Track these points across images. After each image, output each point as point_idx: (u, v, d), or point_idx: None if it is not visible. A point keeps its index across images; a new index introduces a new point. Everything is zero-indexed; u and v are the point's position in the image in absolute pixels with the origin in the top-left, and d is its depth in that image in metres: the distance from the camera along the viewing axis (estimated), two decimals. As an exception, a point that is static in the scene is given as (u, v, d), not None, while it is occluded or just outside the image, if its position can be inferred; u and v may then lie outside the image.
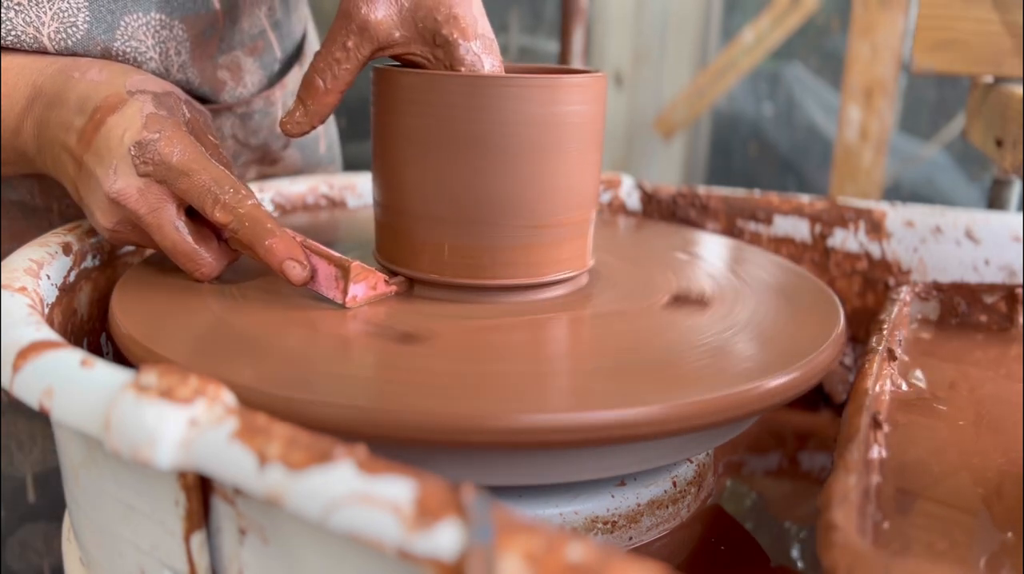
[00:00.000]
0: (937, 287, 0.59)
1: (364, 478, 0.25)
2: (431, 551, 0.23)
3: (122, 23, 0.53)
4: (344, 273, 0.46)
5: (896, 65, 1.64)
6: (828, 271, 0.67)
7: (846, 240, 0.66)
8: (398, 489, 0.25)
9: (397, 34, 0.46)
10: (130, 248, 0.56)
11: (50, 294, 0.46)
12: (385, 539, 0.24)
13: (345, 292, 0.46)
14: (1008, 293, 0.58)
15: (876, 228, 0.65)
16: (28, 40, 0.51)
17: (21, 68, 0.50)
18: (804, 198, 0.68)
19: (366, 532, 0.24)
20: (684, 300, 0.50)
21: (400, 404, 0.36)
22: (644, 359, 0.41)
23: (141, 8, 0.54)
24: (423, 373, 0.39)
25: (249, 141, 0.65)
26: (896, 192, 2.06)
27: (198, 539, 0.32)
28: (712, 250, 0.61)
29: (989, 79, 0.82)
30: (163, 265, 0.50)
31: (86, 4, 0.52)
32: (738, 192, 0.69)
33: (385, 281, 0.48)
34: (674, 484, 0.46)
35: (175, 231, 0.47)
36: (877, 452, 0.40)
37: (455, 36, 0.46)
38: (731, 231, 0.69)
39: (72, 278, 0.50)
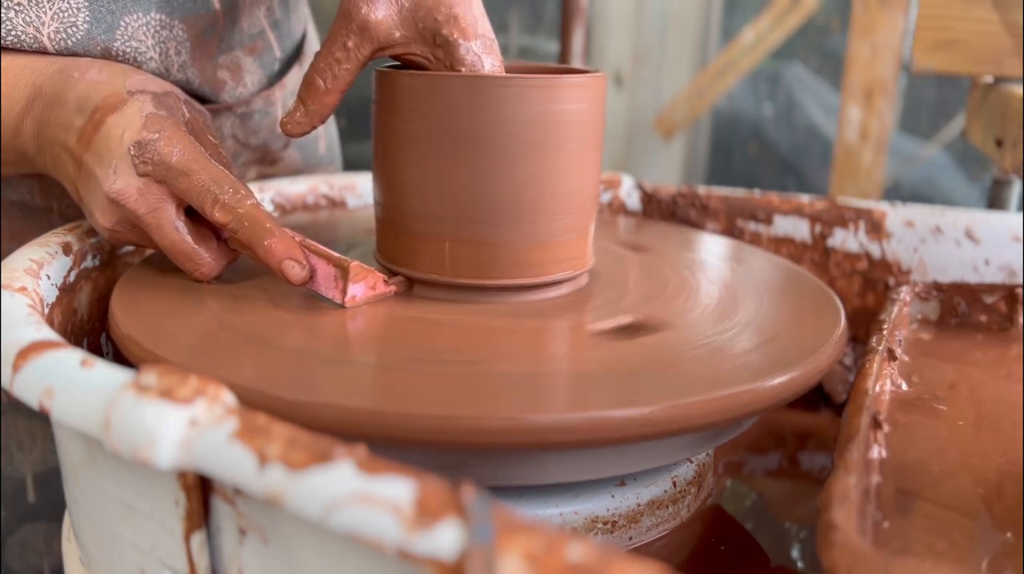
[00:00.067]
0: (937, 287, 0.59)
1: (364, 478, 0.25)
2: (431, 551, 0.23)
3: (122, 23, 0.53)
4: (343, 273, 0.46)
5: (896, 65, 1.64)
6: (828, 271, 0.67)
7: (846, 240, 0.66)
8: (398, 489, 0.25)
9: (397, 34, 0.46)
10: (130, 248, 0.56)
11: (50, 294, 0.46)
12: (385, 539, 0.24)
13: (344, 292, 0.46)
14: (1008, 293, 0.58)
15: (876, 228, 0.65)
16: (28, 40, 0.51)
17: (21, 68, 0.50)
18: (804, 198, 0.68)
19: (366, 532, 0.24)
20: (683, 301, 0.50)
21: (400, 404, 0.36)
22: (644, 360, 0.41)
23: (141, 8, 0.54)
24: (422, 374, 0.39)
25: (249, 141, 0.65)
26: (896, 192, 2.06)
27: (198, 539, 0.32)
28: (712, 250, 0.61)
29: (989, 79, 0.82)
30: (163, 265, 0.50)
31: (86, 4, 0.52)
32: (738, 192, 0.69)
33: (384, 281, 0.48)
34: (674, 484, 0.46)
35: (174, 231, 0.47)
36: (877, 452, 0.40)
37: (455, 36, 0.46)
38: (731, 231, 0.69)
39: (72, 278, 0.50)
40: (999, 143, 0.74)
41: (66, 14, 0.51)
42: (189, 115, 0.50)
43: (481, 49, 0.47)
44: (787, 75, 2.38)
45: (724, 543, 0.47)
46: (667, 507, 0.46)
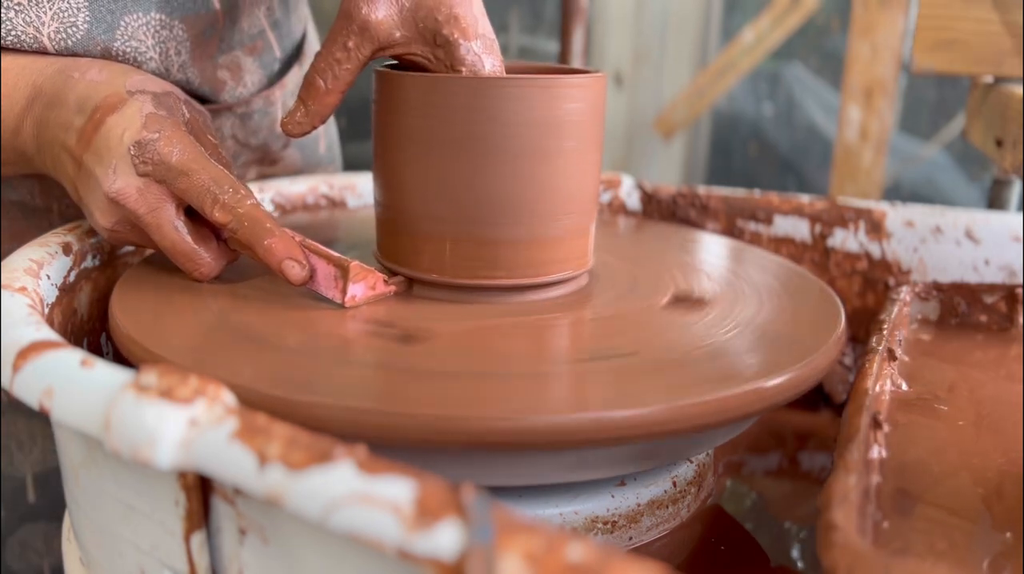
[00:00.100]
0: (937, 287, 0.59)
1: (364, 478, 0.25)
2: (431, 551, 0.23)
3: (122, 23, 0.53)
4: (343, 273, 0.46)
5: (896, 65, 1.64)
6: (828, 271, 0.67)
7: (846, 240, 0.66)
8: (398, 489, 0.25)
9: (398, 34, 0.46)
10: (130, 248, 0.56)
11: (50, 294, 0.46)
12: (385, 539, 0.24)
13: (344, 292, 0.46)
14: (1008, 293, 0.58)
15: (876, 228, 0.65)
16: (28, 40, 0.51)
17: (21, 68, 0.50)
18: (804, 198, 0.68)
19: (366, 532, 0.24)
20: (684, 301, 0.50)
21: (400, 405, 0.36)
22: (644, 360, 0.41)
23: (141, 8, 0.54)
24: (422, 374, 0.39)
25: (249, 141, 0.65)
26: (896, 192, 2.06)
27: (198, 539, 0.32)
28: (712, 250, 0.61)
29: (989, 79, 0.82)
30: (163, 265, 0.50)
31: (86, 4, 0.52)
32: (738, 192, 0.69)
33: (384, 281, 0.48)
34: (674, 484, 0.46)
35: (174, 231, 0.47)
36: (877, 452, 0.40)
37: (456, 36, 0.46)
38: (731, 231, 0.69)
39: (72, 278, 0.50)
40: (999, 143, 0.74)
41: (66, 14, 0.51)
42: (189, 115, 0.50)
43: (481, 49, 0.47)
44: (787, 75, 2.38)
45: (724, 543, 0.47)
46: (667, 507, 0.46)
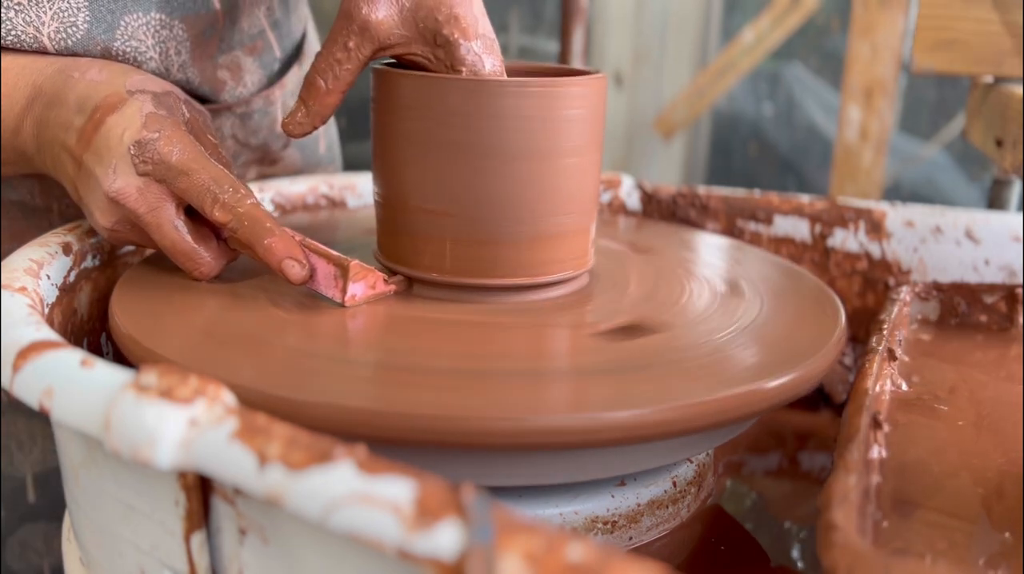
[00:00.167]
0: (937, 287, 0.59)
1: (364, 478, 0.25)
2: (431, 551, 0.23)
3: (122, 23, 0.53)
4: (343, 272, 0.46)
5: (896, 65, 1.64)
6: (828, 271, 0.67)
7: (846, 240, 0.66)
8: (398, 489, 0.25)
9: (398, 34, 0.46)
10: (130, 248, 0.56)
11: (50, 294, 0.46)
12: (385, 539, 0.24)
13: (344, 291, 0.46)
14: (1008, 293, 0.58)
15: (876, 228, 0.65)
16: (28, 40, 0.51)
17: (21, 68, 0.50)
18: (804, 198, 0.68)
19: (366, 532, 0.24)
20: (684, 301, 0.50)
21: (400, 404, 0.36)
22: (644, 360, 0.41)
23: (141, 8, 0.54)
24: (422, 373, 0.39)
25: (249, 141, 0.65)
26: (896, 192, 2.06)
27: (198, 539, 0.32)
28: (712, 250, 0.61)
29: (989, 79, 0.82)
30: (163, 265, 0.50)
31: (86, 4, 0.52)
32: (738, 192, 0.69)
33: (384, 280, 0.48)
34: (674, 484, 0.46)
35: (174, 230, 0.47)
36: (877, 452, 0.40)
37: (456, 36, 0.46)
38: (731, 231, 0.69)
39: (72, 278, 0.50)
40: (999, 143, 0.74)
41: (66, 14, 0.51)
42: (189, 115, 0.50)
43: (482, 49, 0.47)
44: (787, 75, 2.38)
45: (724, 543, 0.47)
46: (667, 507, 0.46)
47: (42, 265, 0.46)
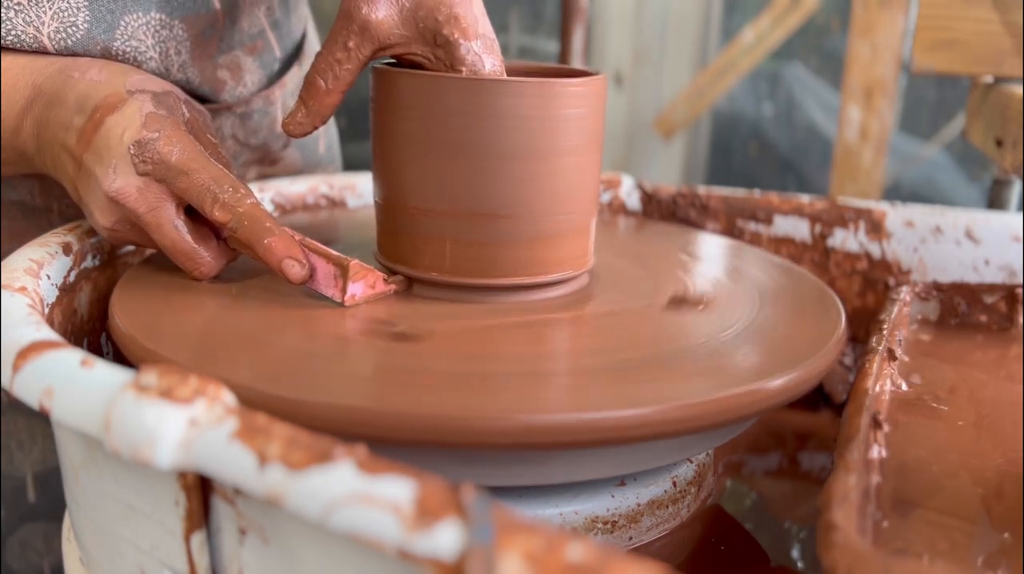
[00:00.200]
0: (937, 287, 0.59)
1: (364, 478, 0.25)
2: (431, 551, 0.23)
3: (122, 23, 0.53)
4: (343, 271, 0.46)
5: (896, 65, 1.64)
6: (828, 271, 0.67)
7: (846, 240, 0.66)
8: (398, 489, 0.25)
9: (398, 34, 0.46)
10: (130, 248, 0.56)
11: (50, 294, 0.46)
12: (385, 539, 0.24)
13: (344, 291, 0.46)
14: (1008, 293, 0.58)
15: (876, 228, 0.65)
16: (28, 40, 0.51)
17: (21, 68, 0.50)
18: (804, 198, 0.68)
19: (366, 532, 0.24)
20: (684, 301, 0.50)
21: (400, 404, 0.36)
22: (644, 360, 0.41)
23: (141, 8, 0.54)
24: (422, 373, 0.39)
25: (249, 141, 0.65)
26: (896, 192, 2.06)
27: (198, 539, 0.32)
28: (712, 250, 0.61)
29: (989, 79, 0.82)
30: (163, 265, 0.50)
31: (86, 4, 0.52)
32: (738, 192, 0.69)
33: (384, 280, 0.48)
34: (674, 484, 0.46)
35: (174, 230, 0.47)
36: (877, 452, 0.40)
37: (456, 36, 0.46)
38: (731, 231, 0.69)
39: (72, 278, 0.50)
40: (999, 143, 0.74)
41: (66, 14, 0.51)
42: (189, 115, 0.50)
43: (482, 49, 0.47)
44: (787, 75, 2.38)
45: (724, 543, 0.47)
46: (667, 507, 0.46)
47: (42, 265, 0.46)
